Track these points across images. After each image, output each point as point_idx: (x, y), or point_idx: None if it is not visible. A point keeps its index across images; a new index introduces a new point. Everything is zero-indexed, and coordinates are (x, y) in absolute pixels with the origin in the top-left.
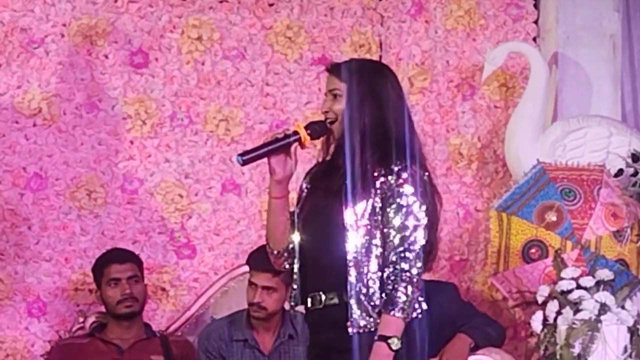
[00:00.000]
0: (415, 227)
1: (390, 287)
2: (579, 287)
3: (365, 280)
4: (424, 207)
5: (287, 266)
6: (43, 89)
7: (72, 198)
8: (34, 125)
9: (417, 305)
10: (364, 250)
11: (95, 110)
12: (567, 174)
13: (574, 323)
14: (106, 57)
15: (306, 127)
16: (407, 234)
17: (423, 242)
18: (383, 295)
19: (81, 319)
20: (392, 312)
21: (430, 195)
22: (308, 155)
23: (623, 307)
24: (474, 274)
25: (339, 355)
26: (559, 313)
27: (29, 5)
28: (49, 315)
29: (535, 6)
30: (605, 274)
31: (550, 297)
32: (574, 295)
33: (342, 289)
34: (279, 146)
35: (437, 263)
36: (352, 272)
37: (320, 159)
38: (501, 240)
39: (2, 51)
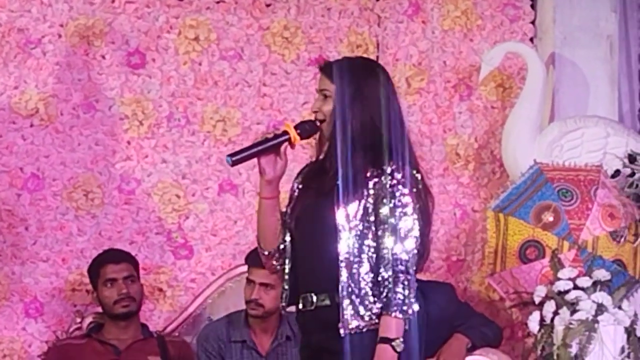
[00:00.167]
0: (410, 228)
1: (388, 288)
2: (576, 287)
3: (357, 281)
4: (417, 207)
5: (279, 267)
6: (40, 89)
7: (69, 198)
8: (31, 125)
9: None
10: (355, 251)
11: (92, 110)
12: (564, 175)
13: (571, 323)
14: (103, 57)
15: (296, 127)
16: (401, 235)
17: (417, 242)
18: (381, 297)
19: (78, 320)
20: (393, 314)
21: (423, 195)
22: (305, 156)
23: (620, 308)
24: (471, 274)
25: (330, 356)
26: (556, 313)
27: (26, 5)
28: (46, 316)
29: (533, 7)
30: (602, 274)
31: (547, 297)
32: (571, 296)
33: (334, 290)
34: (268, 146)
35: (434, 263)
36: (344, 273)
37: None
38: (498, 240)
39: None
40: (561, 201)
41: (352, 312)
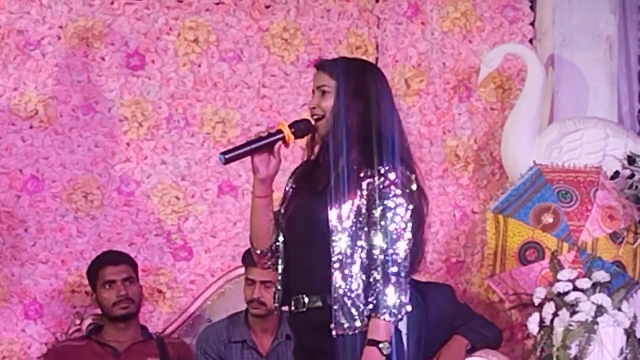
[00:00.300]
0: (403, 229)
1: (378, 290)
2: (575, 289)
3: (349, 283)
4: (410, 208)
5: (271, 266)
6: (39, 91)
7: (68, 200)
8: (31, 127)
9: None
10: (348, 252)
11: (91, 112)
12: (563, 176)
13: (570, 325)
14: (102, 59)
15: (290, 126)
16: (394, 236)
17: (410, 244)
18: (370, 298)
19: (78, 321)
20: (382, 316)
21: (416, 196)
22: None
23: (619, 309)
24: (471, 276)
25: (322, 358)
26: (555, 315)
27: (25, 7)
28: (46, 318)
29: (532, 8)
30: (601, 275)
31: (547, 298)
32: (570, 297)
33: (326, 291)
34: (262, 145)
35: (433, 265)
36: (336, 274)
37: (305, 158)
38: (497, 242)
39: None
40: (561, 202)
41: (344, 313)
